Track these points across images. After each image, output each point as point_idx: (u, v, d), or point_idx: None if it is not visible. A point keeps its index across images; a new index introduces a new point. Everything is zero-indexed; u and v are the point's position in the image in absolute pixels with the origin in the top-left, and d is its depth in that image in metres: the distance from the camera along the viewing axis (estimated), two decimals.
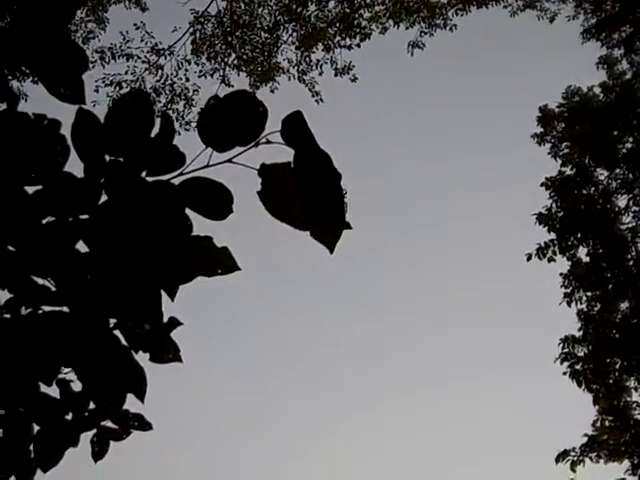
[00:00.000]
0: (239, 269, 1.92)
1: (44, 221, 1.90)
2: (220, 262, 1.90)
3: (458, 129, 26.32)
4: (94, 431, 2.94)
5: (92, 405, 2.84)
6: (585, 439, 15.31)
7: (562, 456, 15.26)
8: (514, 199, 24.77)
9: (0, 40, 2.31)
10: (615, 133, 16.48)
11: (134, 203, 1.80)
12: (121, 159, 1.82)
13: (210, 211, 1.84)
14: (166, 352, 2.43)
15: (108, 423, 2.93)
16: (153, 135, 1.82)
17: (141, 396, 2.46)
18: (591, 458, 15.28)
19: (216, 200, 1.83)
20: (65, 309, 2.22)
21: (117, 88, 14.92)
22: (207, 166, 1.78)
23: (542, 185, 16.45)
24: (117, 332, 2.32)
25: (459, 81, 25.72)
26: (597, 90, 16.82)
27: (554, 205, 16.24)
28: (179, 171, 1.80)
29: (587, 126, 16.20)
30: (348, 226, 1.69)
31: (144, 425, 3.00)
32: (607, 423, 15.45)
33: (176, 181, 1.82)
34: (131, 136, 1.80)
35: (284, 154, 1.70)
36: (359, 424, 24.28)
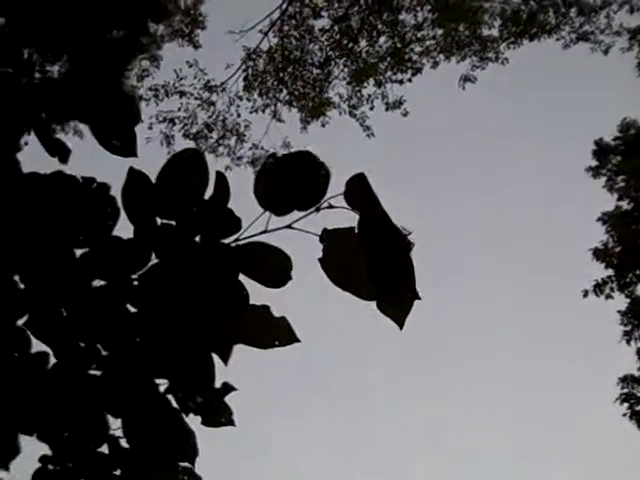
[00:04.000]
0: (299, 341, 1.79)
1: (93, 284, 1.82)
2: (278, 333, 1.78)
3: (511, 162, 26.01)
4: None
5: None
6: None
7: None
8: (570, 234, 24.31)
9: (52, 93, 2.26)
10: None
11: (186, 267, 1.70)
12: (173, 223, 1.72)
13: (268, 278, 1.73)
14: (218, 416, 2.33)
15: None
16: (208, 196, 1.73)
17: (192, 461, 2.36)
18: None
19: (274, 267, 1.71)
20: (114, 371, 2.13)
21: (170, 125, 15.09)
22: (265, 232, 1.67)
23: (598, 220, 16.10)
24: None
25: (512, 114, 25.46)
26: None
27: (611, 240, 15.86)
28: (235, 236, 1.69)
29: None
30: (417, 297, 1.55)
31: (194, 479, 2.91)
32: None
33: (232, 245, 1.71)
34: (184, 198, 1.71)
35: (347, 218, 1.58)
36: None
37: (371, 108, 15.68)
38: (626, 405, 14.72)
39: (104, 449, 2.67)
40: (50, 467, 2.66)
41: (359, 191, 1.56)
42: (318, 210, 1.63)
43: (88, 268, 1.73)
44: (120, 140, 2.12)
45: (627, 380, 14.99)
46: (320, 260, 1.64)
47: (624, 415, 14.69)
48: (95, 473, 2.68)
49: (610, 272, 15.52)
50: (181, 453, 2.20)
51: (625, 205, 16.27)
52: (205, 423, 2.27)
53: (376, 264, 1.55)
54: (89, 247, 1.71)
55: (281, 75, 15.62)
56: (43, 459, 2.66)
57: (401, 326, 1.56)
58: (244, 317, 1.73)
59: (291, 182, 1.63)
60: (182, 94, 15.22)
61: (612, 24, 15.96)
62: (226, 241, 1.71)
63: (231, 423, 2.32)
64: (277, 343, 1.78)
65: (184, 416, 2.26)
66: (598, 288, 15.39)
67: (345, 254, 1.60)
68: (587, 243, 15.94)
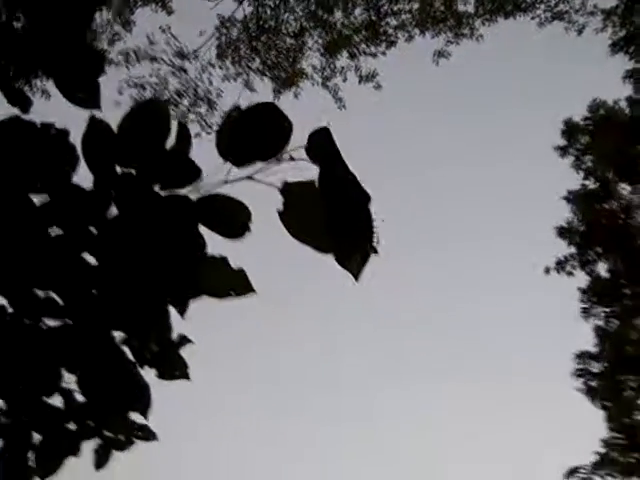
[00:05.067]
0: (255, 292, 1.81)
1: (50, 232, 1.81)
2: (235, 284, 1.79)
3: (482, 139, 26.13)
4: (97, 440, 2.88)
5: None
6: (596, 457, 15.20)
7: (572, 473, 15.15)
8: (535, 212, 24.55)
9: (14, 43, 2.22)
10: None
11: (146, 217, 1.69)
12: (133, 171, 1.71)
13: (226, 229, 1.73)
14: (173, 369, 2.34)
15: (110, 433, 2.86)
16: (169, 146, 1.72)
17: (144, 413, 2.36)
18: (601, 476, 15.16)
19: (233, 218, 1.72)
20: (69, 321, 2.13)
21: (141, 90, 14.90)
22: (225, 182, 1.67)
23: (564, 198, 16.30)
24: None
25: (484, 92, 25.52)
26: (623, 104, 16.63)
27: (575, 219, 16.09)
28: (194, 185, 1.69)
29: (611, 140, 16.01)
30: (374, 251, 1.57)
31: (148, 435, 2.93)
32: (619, 441, 15.29)
33: (192, 197, 1.71)
34: (145, 147, 1.70)
35: (308, 171, 1.59)
36: None
37: (344, 80, 15.62)
38: (581, 380, 15.04)
39: (59, 403, 2.67)
40: (3, 420, 2.65)
41: (321, 145, 1.56)
42: (279, 161, 1.63)
43: (46, 216, 1.71)
44: (83, 92, 2.10)
45: (583, 356, 15.29)
46: (279, 212, 1.65)
47: (578, 390, 15.02)
48: (49, 426, 2.68)
49: (573, 250, 15.76)
50: (135, 405, 2.21)
51: (591, 185, 16.49)
52: (160, 376, 2.28)
53: (335, 218, 1.56)
54: (48, 194, 1.70)
55: (255, 44, 15.49)
56: None
57: (356, 278, 1.58)
58: (202, 267, 1.74)
59: (253, 133, 1.63)
60: (153, 60, 15.03)
61: (586, 4, 16.03)
62: (186, 191, 1.71)
63: (186, 377, 2.33)
64: (234, 294, 1.80)
65: (139, 369, 2.26)
66: (560, 265, 15.62)
67: (304, 207, 1.60)
68: (553, 220, 16.17)
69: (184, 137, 1.69)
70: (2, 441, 2.70)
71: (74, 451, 2.78)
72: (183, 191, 1.71)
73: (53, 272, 1.81)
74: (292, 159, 1.61)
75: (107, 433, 2.90)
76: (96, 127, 1.71)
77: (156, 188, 1.71)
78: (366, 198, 1.54)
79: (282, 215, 1.63)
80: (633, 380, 14.87)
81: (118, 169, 1.72)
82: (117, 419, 2.51)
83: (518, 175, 25.48)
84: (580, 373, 15.05)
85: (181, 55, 15.18)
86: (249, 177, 1.65)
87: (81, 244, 1.77)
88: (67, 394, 2.70)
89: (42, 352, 2.23)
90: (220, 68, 15.50)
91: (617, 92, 17.03)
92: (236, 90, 15.67)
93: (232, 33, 15.40)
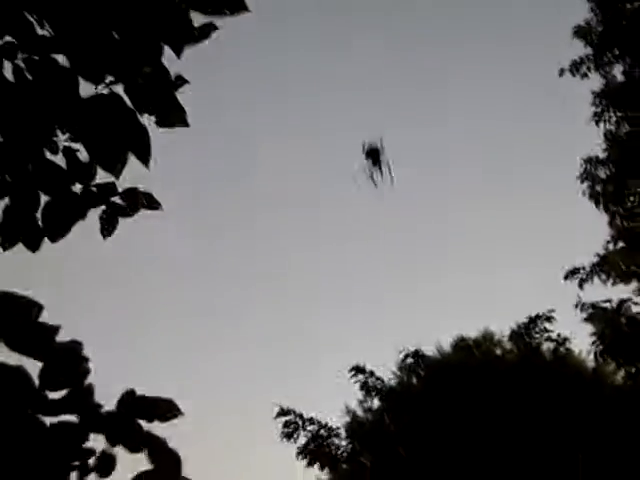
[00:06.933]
0: (248, 11, 1.69)
1: None
2: (229, 1, 1.66)
3: None
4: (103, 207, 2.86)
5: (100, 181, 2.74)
6: (596, 259, 15.49)
7: (572, 273, 15.48)
8: (550, 10, 23.54)
9: None
10: None
11: None
12: None
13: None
14: (171, 115, 2.25)
15: (117, 200, 2.84)
16: None
17: (144, 158, 2.30)
18: (600, 278, 15.51)
19: None
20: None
21: None
22: None
23: None
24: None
25: None
26: None
27: (594, 18, 15.39)
28: None
29: None
30: None
31: (153, 204, 2.90)
32: (620, 245, 15.54)
33: None
34: None
35: None
36: None
37: None
38: (587, 184, 15.04)
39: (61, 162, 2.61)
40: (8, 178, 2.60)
41: None
42: None
43: None
44: None
45: (591, 161, 15.19)
46: None
47: (583, 194, 15.06)
48: (53, 186, 2.65)
49: (589, 51, 15.22)
50: (134, 147, 2.15)
51: None
52: (159, 123, 2.20)
53: None
54: None
55: None
56: None
57: None
58: None
59: None
60: None
61: None
62: None
63: (184, 123, 2.26)
64: (228, 12, 1.67)
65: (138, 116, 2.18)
66: (575, 67, 15.13)
67: None
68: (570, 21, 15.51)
69: None
70: (8, 200, 2.67)
71: (81, 214, 2.76)
72: None
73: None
74: None
75: (113, 199, 2.87)
76: None
77: None
78: None
79: None
80: (639, 185, 14.90)
81: None
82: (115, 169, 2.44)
83: None
84: (586, 176, 15.03)
85: None
86: None
87: None
88: (69, 153, 2.64)
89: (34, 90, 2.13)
90: None
91: None
92: None
93: None
